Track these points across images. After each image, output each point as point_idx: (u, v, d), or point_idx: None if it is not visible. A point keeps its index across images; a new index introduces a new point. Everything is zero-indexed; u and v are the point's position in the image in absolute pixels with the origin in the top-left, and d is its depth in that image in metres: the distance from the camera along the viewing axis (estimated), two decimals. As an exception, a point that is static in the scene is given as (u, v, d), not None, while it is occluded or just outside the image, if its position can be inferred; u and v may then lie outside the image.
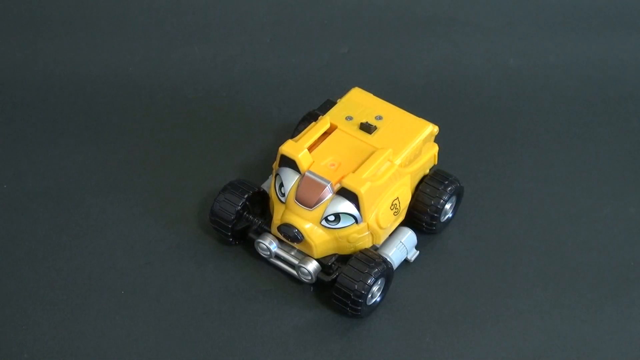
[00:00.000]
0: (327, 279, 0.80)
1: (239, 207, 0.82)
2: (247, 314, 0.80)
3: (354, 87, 0.88)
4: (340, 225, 0.78)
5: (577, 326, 0.80)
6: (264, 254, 0.82)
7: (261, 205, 0.85)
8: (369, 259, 0.77)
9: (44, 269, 0.83)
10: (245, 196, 0.82)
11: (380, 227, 0.79)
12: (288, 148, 0.79)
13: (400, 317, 0.80)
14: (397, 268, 0.82)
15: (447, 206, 0.86)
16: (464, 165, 0.93)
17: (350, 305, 0.77)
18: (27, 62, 1.05)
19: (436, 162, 0.87)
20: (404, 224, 0.84)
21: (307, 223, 0.78)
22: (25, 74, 1.04)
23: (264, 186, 0.85)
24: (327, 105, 0.90)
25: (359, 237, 0.79)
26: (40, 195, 0.90)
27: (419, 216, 0.84)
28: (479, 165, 0.94)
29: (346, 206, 0.77)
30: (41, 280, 0.82)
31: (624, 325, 0.80)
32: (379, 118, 0.84)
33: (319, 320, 0.80)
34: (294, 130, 0.90)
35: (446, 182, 0.84)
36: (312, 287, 0.82)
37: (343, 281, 0.77)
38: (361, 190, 0.76)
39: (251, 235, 0.83)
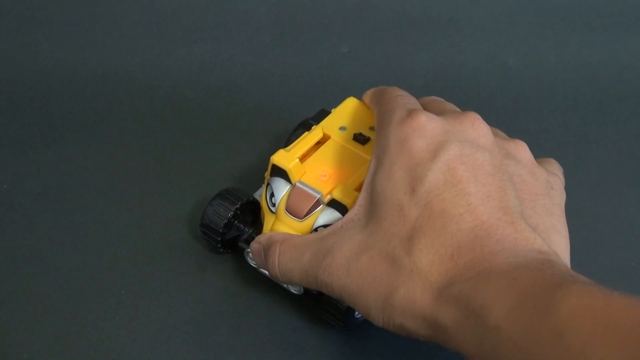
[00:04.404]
0: (316, 291, 0.79)
1: (229, 217, 0.81)
2: (247, 314, 0.80)
3: (354, 87, 0.88)
4: None
5: (577, 326, 0.80)
6: (253, 264, 0.81)
7: (252, 215, 0.84)
8: None
9: (44, 269, 0.83)
10: (235, 206, 0.81)
11: None
12: (279, 158, 0.78)
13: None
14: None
15: None
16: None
17: (337, 319, 0.76)
18: (27, 62, 1.05)
19: None
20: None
21: (296, 234, 0.77)
22: (25, 74, 1.04)
23: (257, 195, 0.84)
24: (321, 114, 0.88)
25: None
26: (40, 195, 0.90)
27: None
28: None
29: (336, 218, 0.76)
30: (41, 280, 0.82)
31: (624, 325, 0.80)
32: (373, 129, 0.83)
33: (319, 320, 0.80)
34: (287, 140, 0.88)
35: None
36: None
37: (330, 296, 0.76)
38: (351, 203, 0.75)
39: (241, 244, 0.82)
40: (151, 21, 1.08)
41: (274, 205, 0.78)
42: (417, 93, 1.03)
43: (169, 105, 1.01)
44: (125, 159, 0.94)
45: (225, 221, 0.81)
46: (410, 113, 0.69)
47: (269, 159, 0.79)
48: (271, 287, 0.82)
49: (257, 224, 0.83)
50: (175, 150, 0.95)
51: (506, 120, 1.00)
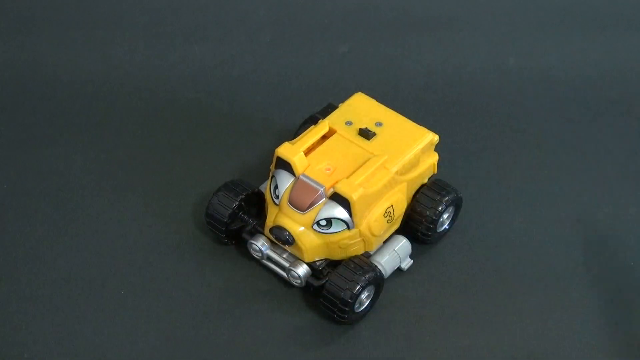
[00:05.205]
0: (317, 283, 0.79)
1: (234, 208, 0.81)
2: (247, 314, 0.80)
3: (354, 87, 0.88)
4: (331, 230, 0.77)
5: (577, 326, 0.80)
6: (256, 255, 0.81)
7: (257, 206, 0.84)
8: (358, 267, 0.77)
9: (44, 269, 0.83)
10: (240, 197, 0.81)
11: (373, 235, 0.79)
12: (284, 150, 0.79)
13: (400, 316, 0.80)
14: (390, 276, 0.82)
15: (445, 216, 0.85)
16: (463, 166, 0.93)
17: (337, 312, 0.77)
18: (27, 62, 1.05)
19: (435, 171, 0.85)
20: (401, 233, 0.83)
21: (299, 226, 0.77)
22: (25, 74, 1.04)
23: (262, 187, 0.85)
24: (329, 109, 0.89)
25: (350, 243, 0.78)
26: (40, 195, 0.90)
27: (415, 226, 0.83)
28: (478, 165, 0.94)
29: (338, 211, 0.77)
30: (41, 280, 0.82)
31: (623, 325, 0.80)
32: (379, 124, 0.83)
33: (320, 320, 0.80)
34: (295, 134, 0.89)
35: (443, 192, 0.83)
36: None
37: (330, 288, 0.76)
38: (353, 197, 0.76)
39: (245, 235, 0.82)
40: (151, 21, 1.09)
41: (277, 197, 0.79)
42: (417, 93, 1.03)
43: (169, 105, 1.01)
44: (125, 159, 0.94)
45: (230, 212, 0.81)
46: None
47: (274, 151, 0.79)
48: (272, 286, 0.82)
49: (261, 216, 0.83)
50: (175, 150, 0.96)
51: (506, 120, 1.00)
